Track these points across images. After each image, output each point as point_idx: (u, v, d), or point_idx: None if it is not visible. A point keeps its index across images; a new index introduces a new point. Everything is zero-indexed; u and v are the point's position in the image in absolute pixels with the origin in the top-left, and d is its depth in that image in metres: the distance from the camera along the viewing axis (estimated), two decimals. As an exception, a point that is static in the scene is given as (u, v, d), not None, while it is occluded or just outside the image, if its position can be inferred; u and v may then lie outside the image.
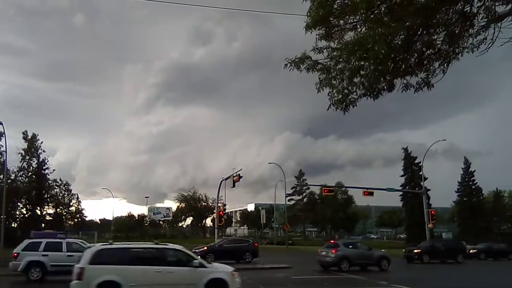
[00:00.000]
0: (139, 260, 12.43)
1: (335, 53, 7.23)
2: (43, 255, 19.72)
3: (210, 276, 12.55)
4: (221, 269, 13.53)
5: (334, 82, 7.36)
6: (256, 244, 32.69)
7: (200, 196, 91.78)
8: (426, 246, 36.31)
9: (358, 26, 6.91)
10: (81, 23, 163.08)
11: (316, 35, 7.15)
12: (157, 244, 14.09)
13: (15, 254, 19.80)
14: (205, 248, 30.83)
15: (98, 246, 12.88)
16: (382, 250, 30.71)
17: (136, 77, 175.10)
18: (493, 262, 37.86)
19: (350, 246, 27.16)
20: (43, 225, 55.76)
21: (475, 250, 40.90)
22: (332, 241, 30.54)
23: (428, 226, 43.73)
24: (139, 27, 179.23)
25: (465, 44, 6.74)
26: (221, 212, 38.10)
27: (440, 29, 6.81)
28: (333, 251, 25.70)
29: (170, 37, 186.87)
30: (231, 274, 13.09)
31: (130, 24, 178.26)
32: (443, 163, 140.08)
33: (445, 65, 7.07)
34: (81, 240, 23.32)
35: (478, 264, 35.44)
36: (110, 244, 14.00)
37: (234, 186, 37.08)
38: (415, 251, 34.11)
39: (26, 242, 20.59)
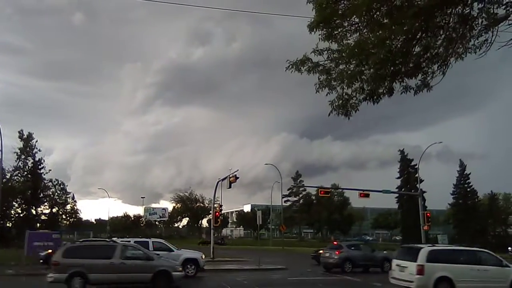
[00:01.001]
0: (461, 260, 14.86)
1: (335, 55, 7.26)
2: None
3: None
4: None
5: (334, 83, 7.39)
6: None
7: (197, 196, 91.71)
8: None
9: (362, 28, 6.93)
10: (79, 22, 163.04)
11: (319, 35, 7.17)
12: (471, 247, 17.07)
13: None
14: (50, 251, 26.88)
15: (429, 247, 15.20)
16: (385, 252, 30.69)
17: (134, 77, 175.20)
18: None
19: (353, 248, 27.20)
20: (38, 224, 55.53)
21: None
22: (334, 243, 30.39)
23: (424, 228, 43.83)
24: (138, 27, 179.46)
25: (468, 44, 6.77)
26: (217, 213, 37.96)
27: (439, 32, 6.84)
28: (337, 252, 25.77)
29: (168, 37, 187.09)
30: None
31: (128, 24, 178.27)
32: (437, 165, 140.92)
33: (444, 67, 7.10)
34: (165, 241, 24.52)
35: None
36: (433, 245, 16.15)
37: (230, 187, 36.92)
38: (320, 252, 33.33)
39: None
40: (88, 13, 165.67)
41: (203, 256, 22.76)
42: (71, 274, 15.31)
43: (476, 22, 6.53)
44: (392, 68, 7.00)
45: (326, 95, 7.58)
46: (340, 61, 7.17)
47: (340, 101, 7.51)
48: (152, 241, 22.00)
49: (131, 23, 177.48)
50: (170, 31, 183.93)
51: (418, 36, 6.77)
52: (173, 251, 21.79)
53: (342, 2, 6.75)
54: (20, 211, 56.14)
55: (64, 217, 66.34)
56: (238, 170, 36.41)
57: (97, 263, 15.90)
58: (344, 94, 7.45)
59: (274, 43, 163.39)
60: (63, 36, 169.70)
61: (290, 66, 7.63)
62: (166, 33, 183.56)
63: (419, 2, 6.33)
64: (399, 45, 6.76)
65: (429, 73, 7.21)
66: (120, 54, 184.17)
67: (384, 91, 7.32)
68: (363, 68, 6.99)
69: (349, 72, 7.07)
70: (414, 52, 6.97)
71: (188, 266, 21.40)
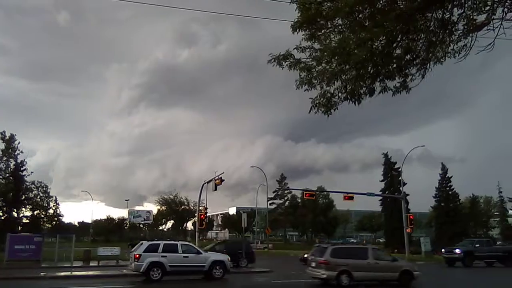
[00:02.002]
0: None
1: (317, 54, 7.37)
2: (162, 256, 20.75)
3: None
4: None
5: (315, 81, 7.50)
6: None
7: (182, 199, 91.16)
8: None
9: (344, 29, 7.04)
10: (65, 22, 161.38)
11: (302, 35, 7.27)
12: None
13: (137, 256, 20.67)
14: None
15: None
16: None
17: (120, 78, 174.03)
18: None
19: None
20: (19, 227, 54.59)
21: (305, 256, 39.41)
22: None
23: (407, 230, 44.36)
24: (124, 28, 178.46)
25: (447, 49, 6.92)
26: (202, 216, 37.85)
27: (420, 36, 7.00)
28: None
29: (154, 38, 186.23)
30: None
31: (115, 24, 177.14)
32: (417, 168, 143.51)
33: (423, 70, 7.26)
34: (190, 243, 25.56)
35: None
36: None
37: (215, 189, 36.80)
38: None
39: (146, 244, 21.69)
40: (73, 13, 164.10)
41: (229, 259, 23.04)
42: (340, 272, 18.19)
43: (456, 27, 6.70)
44: (373, 68, 7.13)
45: (304, 91, 7.69)
46: (321, 60, 7.28)
47: (322, 99, 7.62)
48: (181, 244, 22.48)
49: (117, 24, 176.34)
50: (156, 33, 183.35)
51: (399, 39, 6.92)
52: (201, 253, 22.14)
53: (325, 3, 6.86)
54: (1, 214, 55.11)
55: (46, 220, 65.27)
56: (223, 172, 36.37)
57: (357, 263, 18.58)
58: (326, 92, 7.55)
59: (259, 46, 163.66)
60: (48, 36, 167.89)
61: (272, 60, 7.72)
62: (152, 35, 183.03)
63: (400, 6, 6.47)
64: (380, 47, 6.89)
65: (409, 75, 7.36)
66: (105, 55, 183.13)
67: (366, 91, 7.45)
68: (344, 68, 7.11)
69: (330, 70, 7.18)
70: (395, 54, 7.11)
71: (216, 268, 21.76)
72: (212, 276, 21.52)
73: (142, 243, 22.10)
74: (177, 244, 22.05)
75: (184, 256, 21.26)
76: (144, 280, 20.71)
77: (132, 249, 22.84)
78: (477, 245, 35.64)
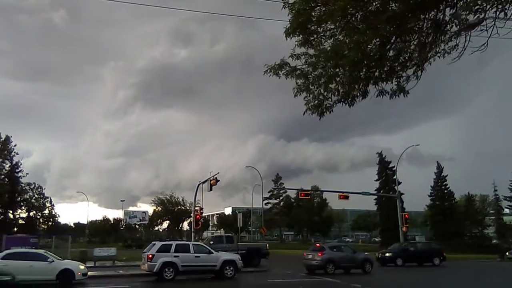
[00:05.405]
0: None
1: (312, 60, 7.39)
2: (175, 256, 21.06)
3: None
4: None
5: (312, 87, 7.52)
6: None
7: (177, 199, 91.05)
8: None
9: (337, 34, 7.07)
10: (60, 22, 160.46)
11: (296, 41, 7.30)
12: None
13: (150, 256, 20.92)
14: None
15: None
16: (366, 253, 30.94)
17: (116, 77, 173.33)
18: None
19: (335, 249, 27.46)
20: (15, 229, 54.51)
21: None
22: (317, 245, 30.56)
23: (402, 229, 44.54)
24: (120, 28, 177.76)
25: (438, 49, 6.95)
26: (198, 216, 37.93)
27: (413, 37, 7.03)
28: (319, 254, 25.97)
29: (151, 38, 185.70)
30: None
31: (111, 24, 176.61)
32: (407, 167, 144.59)
33: (418, 72, 7.29)
34: (202, 243, 25.81)
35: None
36: None
37: (211, 189, 36.81)
38: None
39: (159, 244, 21.95)
40: (68, 13, 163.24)
41: (240, 258, 23.33)
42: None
43: (448, 28, 6.73)
44: (366, 71, 7.16)
45: (304, 98, 7.71)
46: (317, 65, 7.31)
47: (316, 101, 7.65)
48: (193, 244, 22.91)
49: (113, 24, 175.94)
50: (151, 33, 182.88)
51: (392, 41, 6.95)
52: (212, 253, 22.37)
53: (317, 7, 6.88)
54: (-4, 215, 55.04)
55: (41, 221, 65.15)
56: (218, 172, 36.39)
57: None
58: (319, 94, 7.59)
59: (255, 45, 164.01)
60: (43, 37, 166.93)
61: (268, 70, 7.73)
62: (148, 35, 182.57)
63: (393, 7, 6.51)
64: (374, 49, 6.92)
65: (403, 77, 7.38)
66: (101, 55, 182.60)
67: (358, 94, 7.48)
68: (337, 70, 7.14)
69: (325, 73, 7.20)
70: (389, 56, 7.14)
71: (227, 267, 22.04)
72: (223, 275, 21.84)
73: (154, 244, 22.33)
74: (189, 244, 22.55)
75: (196, 256, 21.57)
76: (157, 279, 21.03)
77: (144, 249, 23.20)
78: (212, 242, 30.08)
